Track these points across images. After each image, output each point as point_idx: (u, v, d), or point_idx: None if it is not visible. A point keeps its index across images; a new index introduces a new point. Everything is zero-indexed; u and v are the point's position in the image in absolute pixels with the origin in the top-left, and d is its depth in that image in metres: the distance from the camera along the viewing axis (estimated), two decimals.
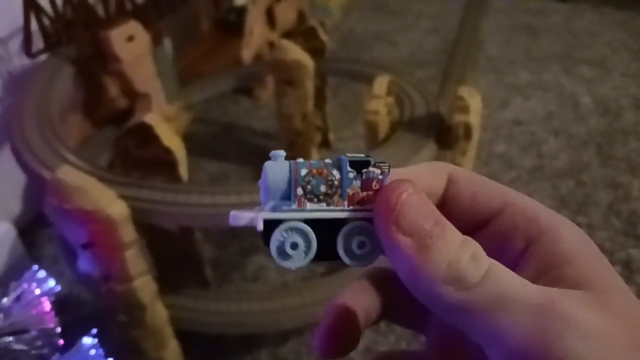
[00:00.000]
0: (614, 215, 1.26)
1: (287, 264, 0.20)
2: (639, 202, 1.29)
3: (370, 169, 0.20)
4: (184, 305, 0.97)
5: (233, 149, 1.52)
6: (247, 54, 1.53)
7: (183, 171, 0.92)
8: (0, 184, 1.16)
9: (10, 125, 0.95)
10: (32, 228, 1.24)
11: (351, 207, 0.20)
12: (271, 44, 1.56)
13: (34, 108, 0.97)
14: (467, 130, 0.92)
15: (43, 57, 1.09)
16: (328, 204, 0.20)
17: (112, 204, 0.76)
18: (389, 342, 1.03)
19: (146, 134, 0.89)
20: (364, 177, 0.20)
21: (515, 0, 2.16)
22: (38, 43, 1.06)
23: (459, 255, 0.17)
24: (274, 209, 0.19)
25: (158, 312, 0.88)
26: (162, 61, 1.29)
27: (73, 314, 1.03)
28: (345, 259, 0.20)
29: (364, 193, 0.20)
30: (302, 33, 1.39)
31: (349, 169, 0.20)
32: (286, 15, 1.64)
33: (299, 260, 0.20)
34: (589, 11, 2.06)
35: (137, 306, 0.84)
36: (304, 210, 0.19)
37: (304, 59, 1.18)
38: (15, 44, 1.14)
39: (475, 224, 0.21)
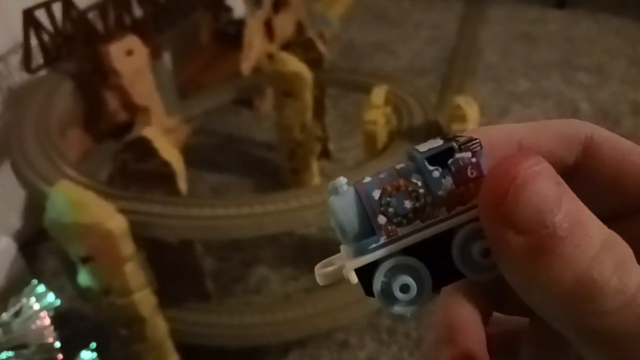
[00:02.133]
0: None
1: (400, 309, 0.16)
2: None
3: (457, 155, 0.15)
4: (185, 319, 0.97)
5: (234, 161, 1.52)
6: (246, 66, 1.54)
7: (182, 184, 0.92)
8: (0, 199, 1.16)
9: (10, 140, 0.96)
10: (32, 242, 1.24)
11: (453, 212, 0.15)
12: (270, 56, 1.57)
13: (33, 123, 0.98)
14: None
15: (43, 72, 1.10)
16: (423, 220, 0.15)
17: (111, 218, 0.76)
18: (391, 352, 1.02)
19: (145, 147, 0.89)
20: (452, 169, 0.15)
21: (513, 8, 2.17)
22: (38, 58, 1.07)
23: (599, 264, 0.12)
24: (361, 252, 0.15)
25: (159, 326, 0.88)
26: (161, 74, 1.30)
27: (74, 328, 1.03)
28: (472, 275, 0.16)
29: (461, 188, 0.15)
30: (301, 44, 1.40)
31: (430, 167, 0.15)
32: (285, 27, 1.65)
33: (413, 301, 0.15)
34: (585, 18, 2.06)
35: (138, 320, 0.84)
36: (396, 240, 0.15)
37: (303, 71, 1.19)
38: (15, 59, 1.15)
39: (615, 211, 0.15)
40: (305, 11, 1.72)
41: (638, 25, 1.99)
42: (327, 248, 1.32)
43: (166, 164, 0.90)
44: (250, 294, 1.16)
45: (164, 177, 0.90)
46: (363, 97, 1.14)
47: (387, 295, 0.15)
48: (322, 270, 0.16)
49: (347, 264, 0.15)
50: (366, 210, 0.15)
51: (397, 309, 0.15)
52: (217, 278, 1.17)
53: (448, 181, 0.15)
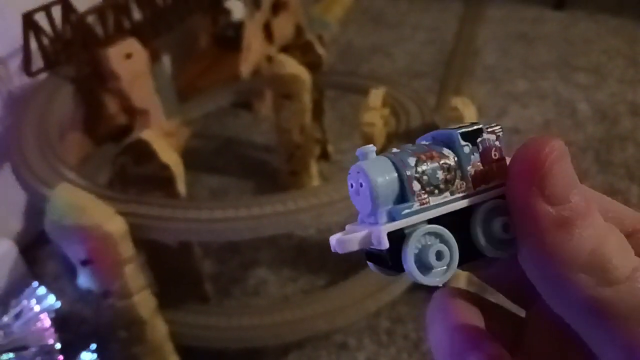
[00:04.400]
0: None
1: (431, 280, 0.15)
2: (638, 208, 1.29)
3: (485, 136, 0.16)
4: (184, 321, 0.97)
5: (233, 163, 1.53)
6: (245, 68, 1.55)
7: (181, 187, 0.93)
8: (1, 202, 1.17)
9: (10, 144, 0.96)
10: (33, 245, 1.24)
11: (478, 189, 0.16)
12: (269, 59, 1.58)
13: (33, 126, 0.98)
14: None
15: (43, 76, 1.10)
16: (452, 193, 0.16)
17: (111, 221, 0.76)
18: (390, 353, 1.02)
19: (144, 150, 0.90)
20: (480, 148, 0.16)
21: (511, 9, 2.18)
22: (38, 62, 1.07)
23: (606, 241, 0.14)
24: (393, 217, 0.15)
25: (158, 328, 0.88)
26: (160, 78, 1.30)
27: (74, 330, 1.03)
28: (491, 252, 0.16)
29: (486, 167, 0.16)
30: (300, 47, 1.40)
31: (462, 142, 0.16)
32: (283, 30, 1.66)
33: (442, 271, 0.15)
34: (583, 19, 2.07)
35: (137, 322, 0.85)
36: (429, 208, 0.15)
37: (301, 73, 1.20)
38: (15, 63, 1.16)
39: None
40: (303, 14, 1.73)
41: (636, 26, 2.00)
42: (325, 250, 1.32)
43: (165, 167, 0.90)
44: (249, 295, 1.16)
45: (163, 179, 0.91)
46: (361, 99, 1.15)
47: (421, 263, 0.15)
48: (344, 236, 0.15)
49: (380, 227, 0.15)
50: (401, 176, 0.15)
51: (429, 278, 0.15)
52: (216, 280, 1.17)
53: (476, 158, 0.16)
